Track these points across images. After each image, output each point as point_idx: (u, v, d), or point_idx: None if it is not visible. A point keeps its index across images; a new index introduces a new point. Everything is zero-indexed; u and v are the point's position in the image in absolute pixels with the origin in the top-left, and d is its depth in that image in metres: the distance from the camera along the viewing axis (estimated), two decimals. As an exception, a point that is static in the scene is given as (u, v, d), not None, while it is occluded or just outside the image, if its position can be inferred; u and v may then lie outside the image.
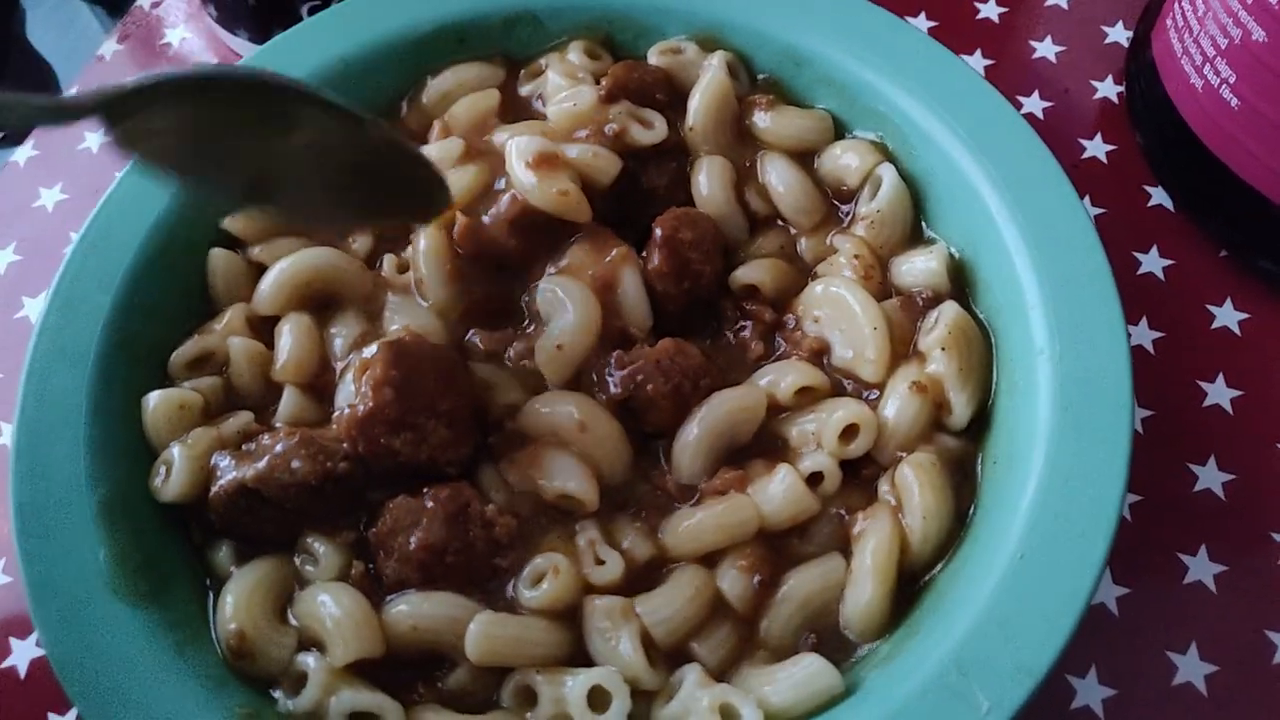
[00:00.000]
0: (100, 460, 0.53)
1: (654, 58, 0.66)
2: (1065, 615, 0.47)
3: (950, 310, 0.57)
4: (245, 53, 0.81)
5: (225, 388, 0.58)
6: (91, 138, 0.78)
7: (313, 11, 0.77)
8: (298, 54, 0.65)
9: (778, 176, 0.63)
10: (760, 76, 0.68)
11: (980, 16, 0.81)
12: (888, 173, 0.61)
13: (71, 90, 0.80)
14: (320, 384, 0.58)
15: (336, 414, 0.55)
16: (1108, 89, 0.77)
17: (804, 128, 0.65)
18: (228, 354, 0.58)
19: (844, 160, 0.63)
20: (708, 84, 0.64)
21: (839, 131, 0.66)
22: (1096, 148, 0.75)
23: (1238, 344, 0.67)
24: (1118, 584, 0.59)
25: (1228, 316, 0.68)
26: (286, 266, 0.59)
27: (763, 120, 0.65)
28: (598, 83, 0.64)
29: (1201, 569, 0.60)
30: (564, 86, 0.64)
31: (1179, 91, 0.66)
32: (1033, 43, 0.79)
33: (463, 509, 0.53)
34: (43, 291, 0.62)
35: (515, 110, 0.66)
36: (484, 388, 0.56)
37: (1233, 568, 0.60)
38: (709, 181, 0.62)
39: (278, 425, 0.56)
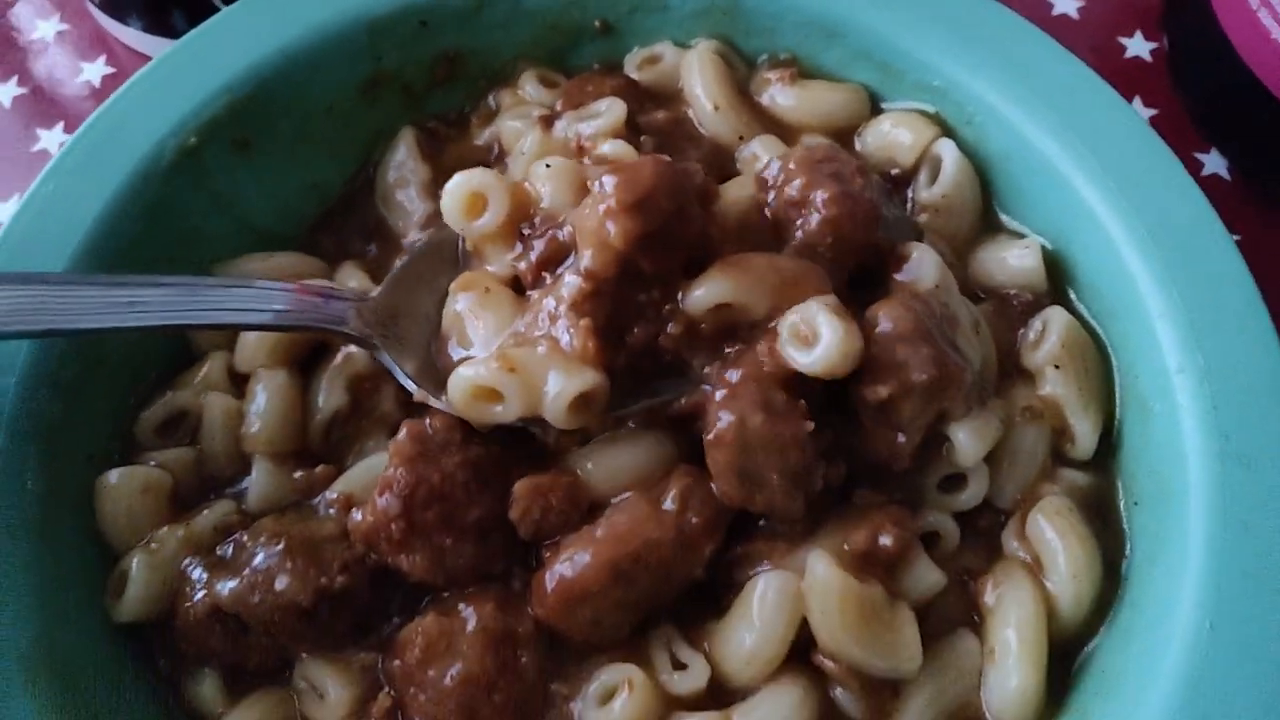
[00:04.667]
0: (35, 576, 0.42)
1: (631, 70, 0.58)
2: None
3: (1059, 319, 0.49)
4: (139, 45, 0.70)
5: (198, 460, 0.48)
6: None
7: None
8: (224, 48, 0.53)
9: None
10: (760, 59, 0.58)
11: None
12: (948, 150, 0.52)
13: None
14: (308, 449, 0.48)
15: (336, 497, 0.44)
16: (1138, 46, 0.70)
17: (835, 103, 0.56)
18: (201, 415, 0.48)
19: (894, 135, 0.54)
20: (697, 62, 0.56)
21: (874, 106, 0.57)
22: (1134, 115, 0.67)
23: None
24: None
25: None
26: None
27: (784, 97, 0.56)
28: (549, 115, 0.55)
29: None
30: (519, 130, 0.55)
31: (1242, 34, 0.58)
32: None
33: (510, 631, 0.42)
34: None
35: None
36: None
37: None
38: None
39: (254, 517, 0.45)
